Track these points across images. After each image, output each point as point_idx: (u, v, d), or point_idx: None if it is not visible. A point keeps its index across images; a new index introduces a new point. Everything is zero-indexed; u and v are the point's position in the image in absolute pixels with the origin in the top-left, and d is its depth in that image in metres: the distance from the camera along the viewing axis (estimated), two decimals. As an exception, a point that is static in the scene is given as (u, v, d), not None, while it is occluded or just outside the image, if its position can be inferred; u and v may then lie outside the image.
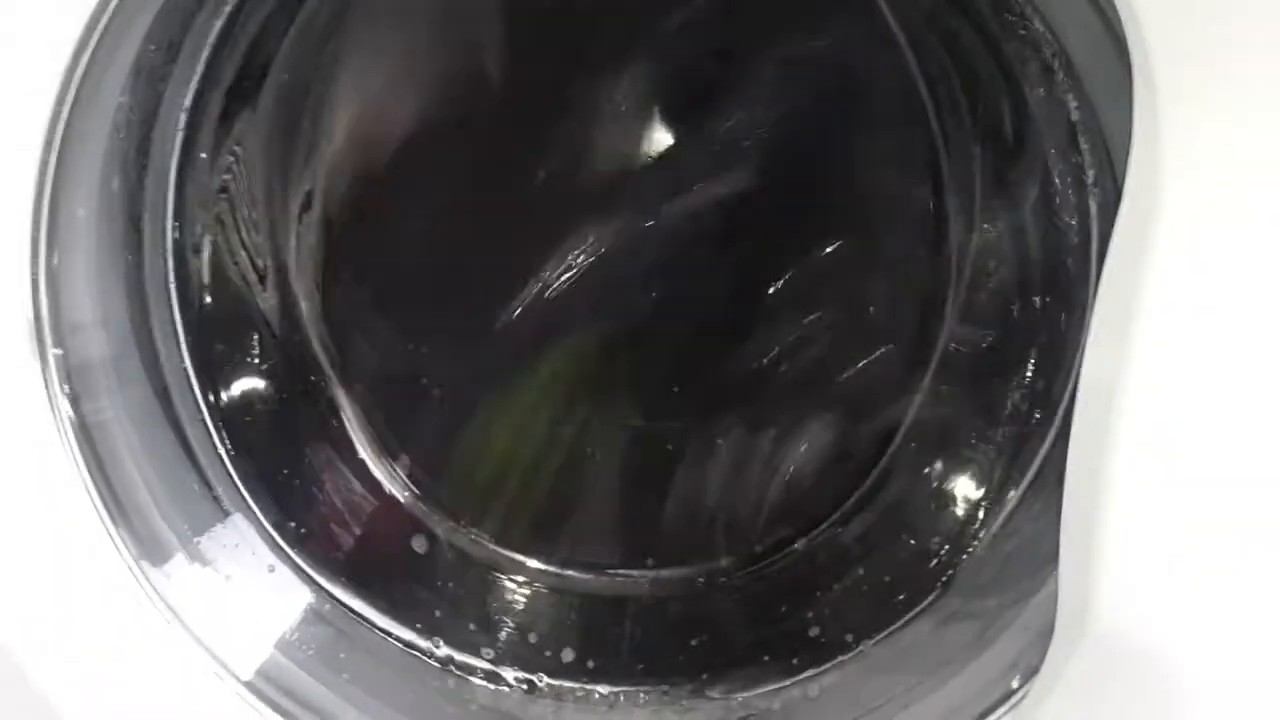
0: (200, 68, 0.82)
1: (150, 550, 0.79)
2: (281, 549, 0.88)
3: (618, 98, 0.90)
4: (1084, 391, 0.59)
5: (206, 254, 0.89)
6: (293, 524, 0.89)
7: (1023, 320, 0.85)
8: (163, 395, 0.86)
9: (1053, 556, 0.63)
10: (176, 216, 0.85)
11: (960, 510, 0.87)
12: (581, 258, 0.92)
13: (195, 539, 0.84)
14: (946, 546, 0.86)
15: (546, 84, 0.90)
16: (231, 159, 0.89)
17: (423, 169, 0.93)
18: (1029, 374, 0.84)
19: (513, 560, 0.95)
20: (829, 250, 0.91)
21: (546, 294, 0.92)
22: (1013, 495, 0.84)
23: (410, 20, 0.92)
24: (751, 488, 0.93)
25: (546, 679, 0.89)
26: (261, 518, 0.88)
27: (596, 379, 0.95)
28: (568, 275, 0.92)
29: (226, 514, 0.87)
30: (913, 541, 0.88)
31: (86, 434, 0.76)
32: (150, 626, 0.77)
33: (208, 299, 0.89)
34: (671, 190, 0.91)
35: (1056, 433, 0.81)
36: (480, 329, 0.94)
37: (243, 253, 0.92)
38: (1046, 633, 0.63)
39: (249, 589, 0.85)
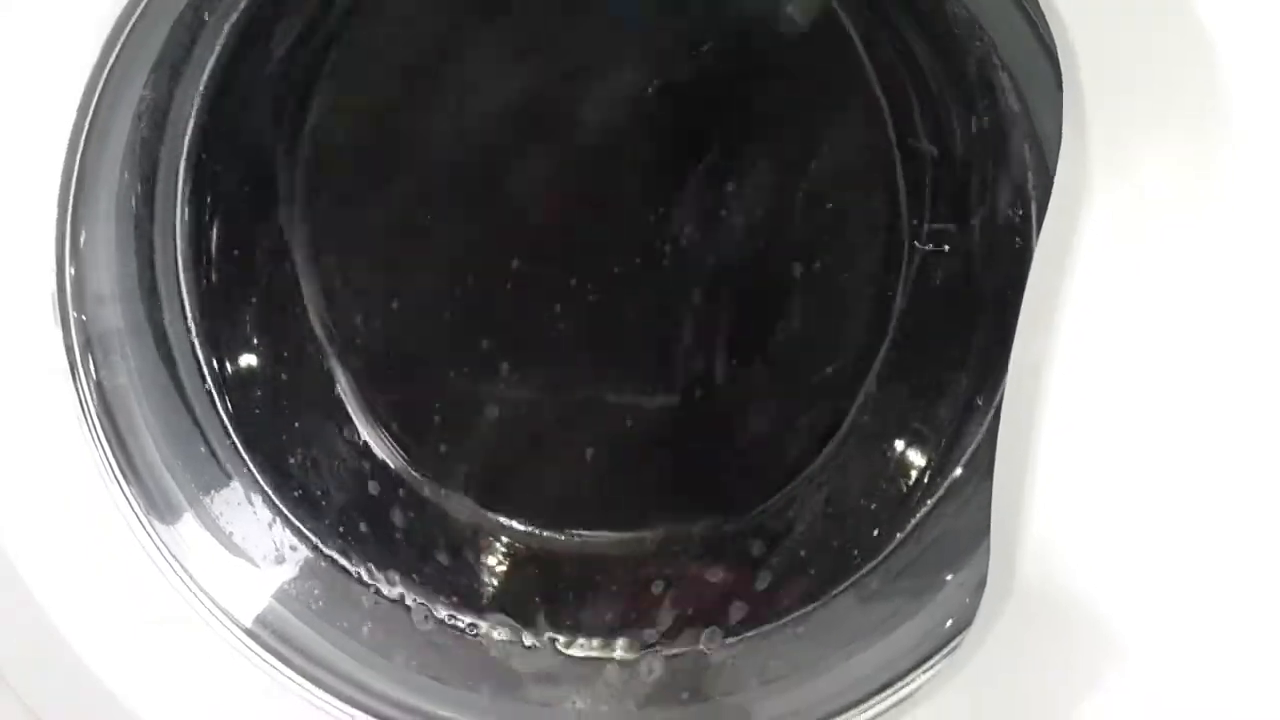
0: (214, 60, 0.88)
1: (160, 508, 0.84)
2: (279, 509, 0.94)
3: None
4: (1015, 365, 0.63)
5: (214, 235, 0.94)
6: (290, 485, 0.95)
7: (967, 309, 0.90)
8: (170, 364, 0.91)
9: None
10: (187, 200, 0.91)
11: (902, 488, 0.92)
12: (565, 226, 0.98)
13: (202, 498, 0.89)
14: (886, 521, 0.91)
15: (540, 71, 0.97)
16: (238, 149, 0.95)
17: (417, 145, 0.99)
18: (972, 359, 0.89)
19: (496, 523, 1.01)
20: (784, 232, 0.97)
21: (537, 263, 0.98)
22: (953, 476, 0.88)
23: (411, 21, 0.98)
24: (714, 455, 1.00)
25: (530, 637, 0.94)
26: (261, 480, 0.94)
27: (575, 350, 1.01)
28: (555, 244, 0.99)
29: (229, 476, 0.93)
30: (854, 514, 0.94)
31: (104, 399, 0.82)
32: (159, 578, 0.82)
33: (213, 276, 0.95)
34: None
35: (992, 417, 0.85)
36: (471, 299, 1.00)
37: (248, 234, 0.97)
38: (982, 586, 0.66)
39: (250, 545, 0.91)
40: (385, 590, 0.94)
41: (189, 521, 0.87)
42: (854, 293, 0.98)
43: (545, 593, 0.97)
